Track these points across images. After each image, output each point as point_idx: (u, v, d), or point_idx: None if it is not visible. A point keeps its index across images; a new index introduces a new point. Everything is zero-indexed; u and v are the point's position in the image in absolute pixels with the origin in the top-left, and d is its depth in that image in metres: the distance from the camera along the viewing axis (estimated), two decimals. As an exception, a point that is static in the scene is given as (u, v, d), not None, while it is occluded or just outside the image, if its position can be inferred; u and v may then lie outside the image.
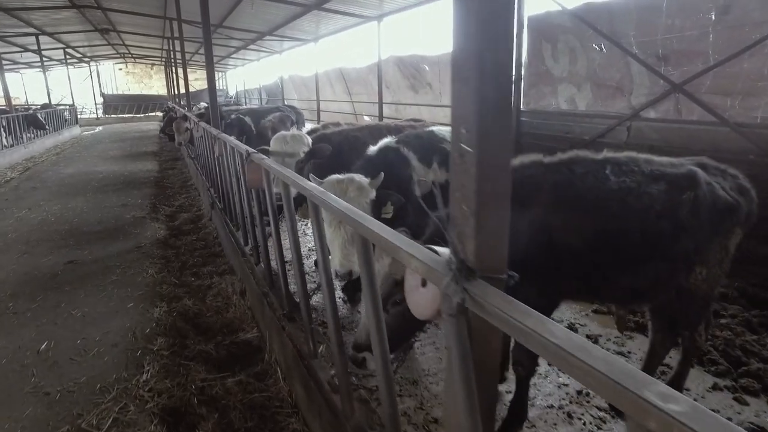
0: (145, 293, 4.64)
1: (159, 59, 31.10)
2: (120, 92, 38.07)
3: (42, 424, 2.83)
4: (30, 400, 3.05)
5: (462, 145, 1.14)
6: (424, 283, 1.38)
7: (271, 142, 3.87)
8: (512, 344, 2.87)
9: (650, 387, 0.71)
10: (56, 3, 13.81)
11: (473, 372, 1.17)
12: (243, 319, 4.07)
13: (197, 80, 34.86)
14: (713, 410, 0.86)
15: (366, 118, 16.24)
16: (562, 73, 8.40)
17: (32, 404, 3.00)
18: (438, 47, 12.78)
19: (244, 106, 14.80)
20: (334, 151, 3.97)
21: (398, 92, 13.53)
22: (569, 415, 2.83)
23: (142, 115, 33.28)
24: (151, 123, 28.07)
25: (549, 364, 3.26)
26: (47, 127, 17.98)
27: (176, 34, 12.54)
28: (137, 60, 35.28)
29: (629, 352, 3.52)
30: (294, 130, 4.01)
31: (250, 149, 3.54)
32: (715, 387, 3.12)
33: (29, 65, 27.75)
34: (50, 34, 18.85)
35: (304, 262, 4.97)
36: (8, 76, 19.64)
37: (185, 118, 10.21)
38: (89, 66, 32.68)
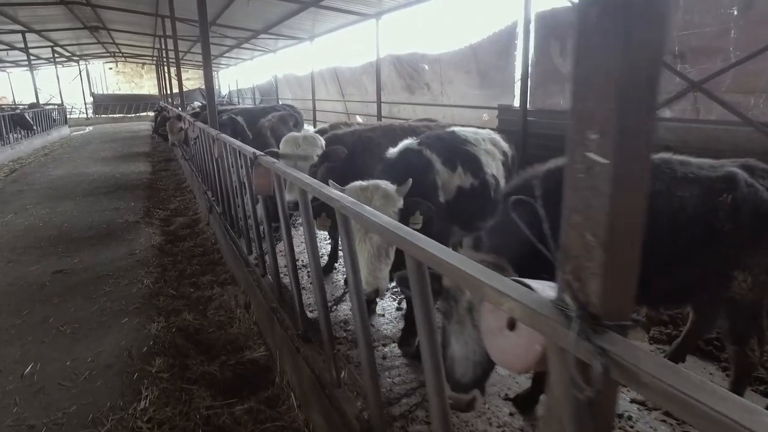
0: (140, 306, 4.30)
1: (150, 58, 30.53)
2: (110, 92, 37.38)
3: (27, 463, 2.50)
4: (13, 434, 2.72)
5: (589, 154, 0.85)
6: (511, 325, 1.09)
7: (281, 144, 3.56)
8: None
9: None
10: (43, -1, 13.38)
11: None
12: (248, 335, 3.76)
13: (189, 80, 34.31)
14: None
15: (358, 118, 15.96)
16: (571, 71, 8.12)
17: (15, 439, 2.68)
18: (438, 46, 12.53)
19: (239, 106, 14.41)
20: (347, 154, 3.68)
21: (393, 93, 13.22)
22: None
23: (133, 115, 32.66)
24: (143, 123, 27.54)
25: None
26: (35, 127, 17.47)
27: (169, 33, 12.16)
28: (128, 59, 34.65)
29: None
30: (306, 131, 3.68)
31: (258, 152, 3.23)
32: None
33: (16, 64, 27.09)
34: (37, 32, 18.33)
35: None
36: (-6, 74, 19.09)
37: (179, 117, 9.85)
38: (78, 65, 31.99)
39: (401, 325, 3.90)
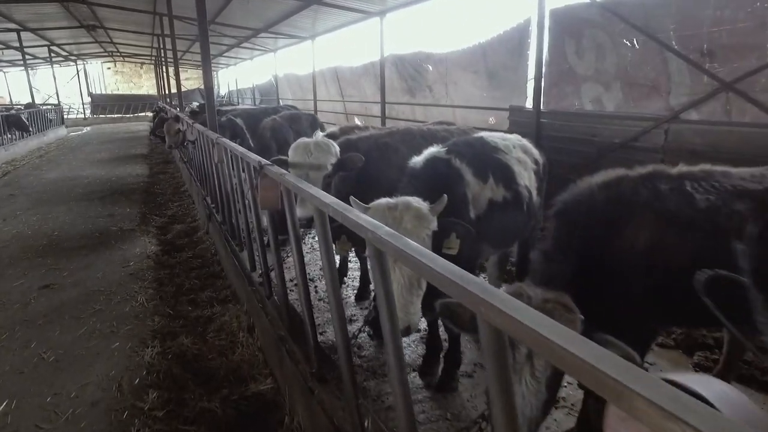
0: (133, 328, 3.92)
1: (149, 58, 30.11)
2: (108, 92, 36.94)
3: None
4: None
5: None
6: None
7: (290, 152, 3.16)
8: None
9: None
10: (38, -4, 12.98)
11: None
12: (252, 362, 3.38)
13: (188, 80, 33.90)
14: None
15: (357, 120, 15.58)
16: (587, 71, 7.78)
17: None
18: (444, 45, 12.15)
19: (239, 107, 14.02)
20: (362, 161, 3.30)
21: (392, 95, 12.83)
22: None
23: (131, 115, 32.22)
24: (141, 123, 27.14)
25: None
26: (30, 129, 17.06)
27: (167, 32, 11.78)
28: (126, 59, 34.19)
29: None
30: (316, 136, 3.29)
31: (263, 160, 2.85)
32: None
33: (12, 63, 26.65)
34: (33, 30, 17.92)
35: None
36: (-11, 74, 18.72)
37: (177, 119, 9.45)
38: (76, 65, 31.56)
39: (420, 349, 3.53)
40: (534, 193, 3.32)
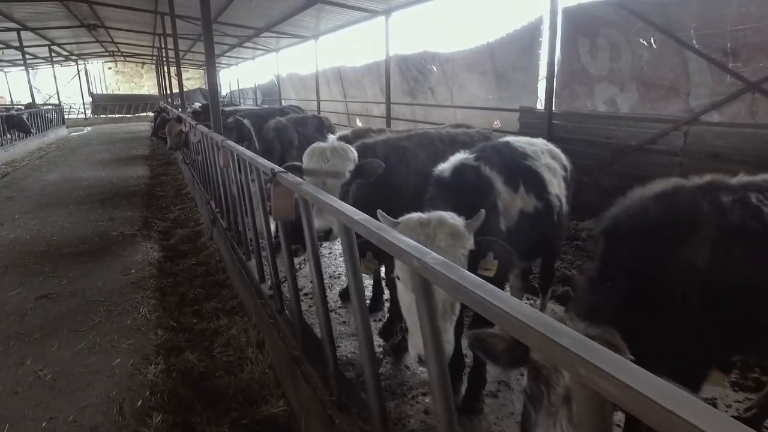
0: (135, 342, 3.70)
1: (150, 57, 29.92)
2: (109, 92, 36.74)
3: None
4: None
5: None
6: None
7: (304, 157, 2.94)
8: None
9: None
10: (38, -6, 12.78)
11: None
12: (263, 381, 3.16)
13: (189, 80, 33.72)
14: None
15: (358, 121, 15.38)
16: (601, 71, 7.57)
17: None
18: (450, 45, 11.93)
19: (242, 107, 13.79)
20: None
21: (393, 97, 12.62)
22: None
23: (132, 116, 32.01)
24: (142, 123, 26.92)
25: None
26: (32, 129, 16.86)
27: (168, 31, 11.57)
28: (127, 59, 34.02)
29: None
30: (331, 140, 3.07)
31: (277, 167, 2.63)
32: None
33: (12, 63, 26.46)
34: (33, 30, 17.74)
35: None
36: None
37: (179, 119, 9.23)
38: (77, 65, 31.35)
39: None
40: (564, 201, 3.11)
